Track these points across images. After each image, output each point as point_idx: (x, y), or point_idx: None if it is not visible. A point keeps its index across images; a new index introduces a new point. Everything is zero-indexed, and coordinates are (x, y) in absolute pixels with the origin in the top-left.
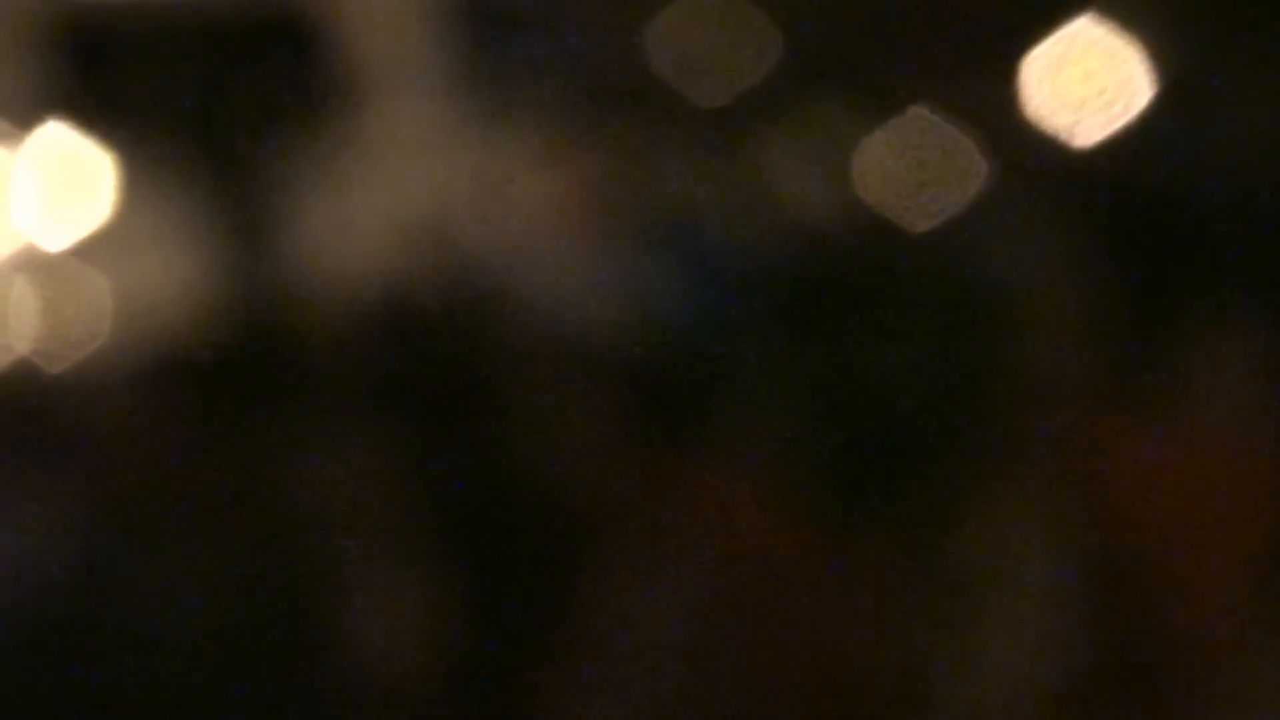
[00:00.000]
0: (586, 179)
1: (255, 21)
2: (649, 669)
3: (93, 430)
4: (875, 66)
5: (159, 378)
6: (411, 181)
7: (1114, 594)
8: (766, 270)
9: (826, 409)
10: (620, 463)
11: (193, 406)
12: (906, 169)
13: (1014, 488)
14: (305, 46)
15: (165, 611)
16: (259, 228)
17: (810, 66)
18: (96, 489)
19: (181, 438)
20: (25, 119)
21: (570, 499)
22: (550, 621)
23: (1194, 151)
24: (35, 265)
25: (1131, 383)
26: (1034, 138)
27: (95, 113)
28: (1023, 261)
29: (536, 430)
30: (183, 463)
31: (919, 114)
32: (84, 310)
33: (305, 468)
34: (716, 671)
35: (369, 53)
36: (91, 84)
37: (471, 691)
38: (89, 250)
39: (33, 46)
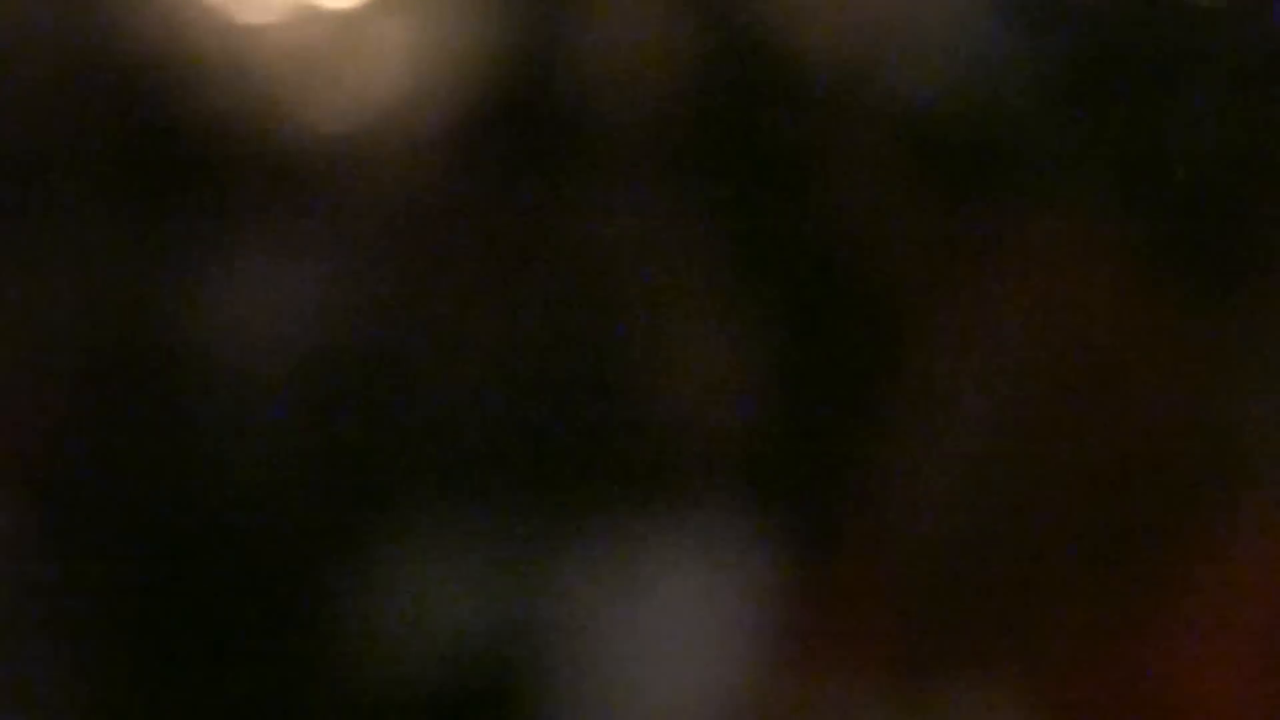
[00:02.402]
0: None
1: None
2: (972, 440)
3: (384, 191)
4: None
5: (456, 135)
6: None
7: None
8: (1070, 35)
9: (1139, 167)
10: (934, 223)
11: (492, 164)
12: None
13: None
14: None
15: (460, 379)
16: None
17: None
18: (389, 250)
19: (481, 195)
20: None
21: (883, 266)
22: (870, 391)
23: None
24: (326, 20)
25: None
26: None
27: None
28: None
29: (846, 194)
30: (482, 222)
31: None
32: (375, 67)
33: (606, 228)
34: (1043, 447)
35: None
36: None
37: (785, 460)
38: (380, 6)
39: None
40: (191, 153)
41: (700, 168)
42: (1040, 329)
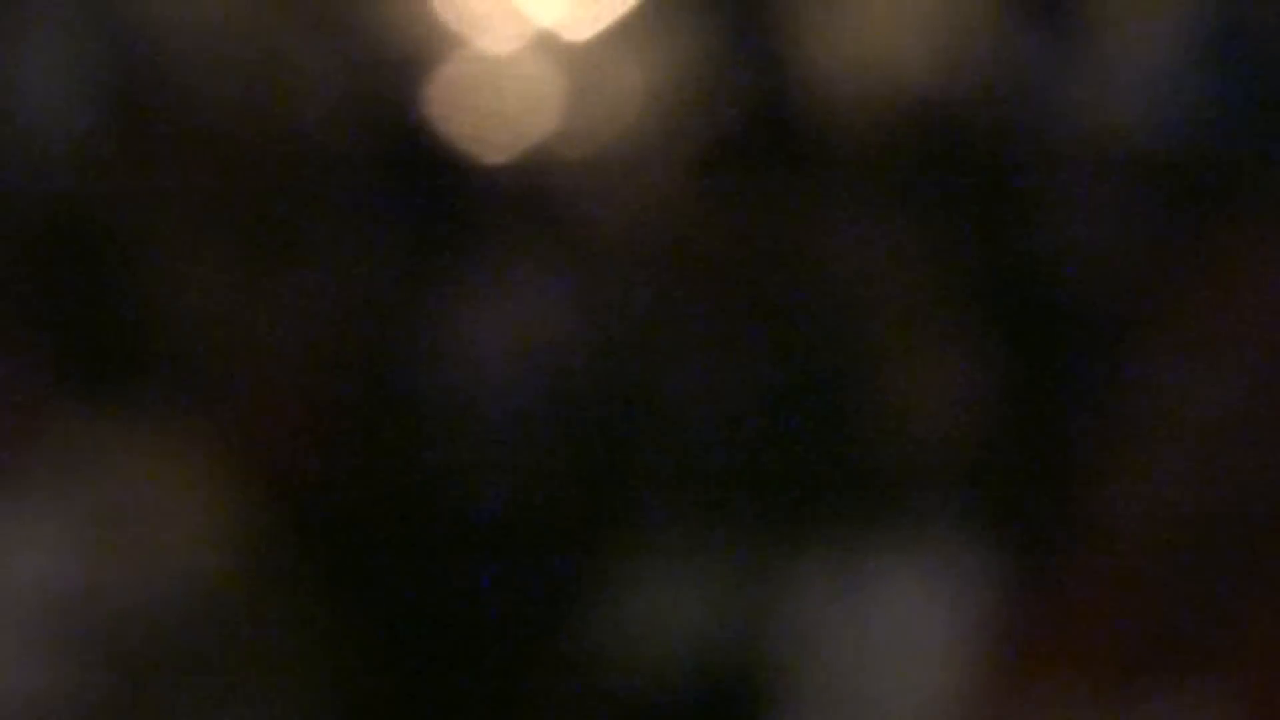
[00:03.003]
0: None
1: None
2: (1200, 454)
3: (615, 212)
4: None
5: (687, 159)
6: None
7: None
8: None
9: None
10: (1156, 251)
11: (721, 187)
12: None
13: None
14: None
15: (703, 400)
16: (778, 21)
17: None
18: (617, 268)
19: (711, 218)
20: None
21: (1103, 289)
22: (1092, 408)
23: None
24: (559, 52)
25: None
26: None
27: None
28: None
29: (1066, 223)
30: (712, 243)
31: None
32: (606, 95)
33: (832, 250)
34: (1264, 455)
35: None
36: None
37: (1011, 472)
38: (611, 38)
39: None
40: (446, 180)
41: (931, 195)
42: (1255, 340)
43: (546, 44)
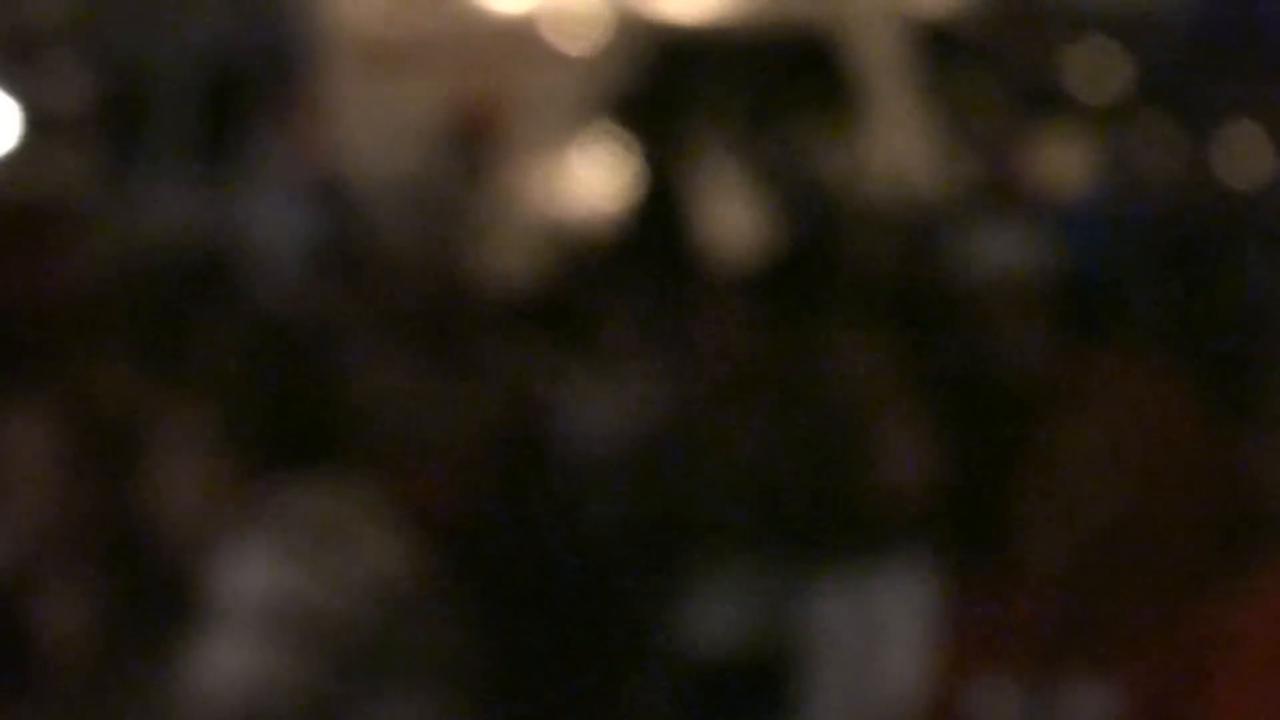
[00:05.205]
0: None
1: (779, 41)
2: (1086, 495)
3: (688, 327)
4: None
5: (733, 288)
6: (899, 165)
7: None
8: None
9: None
10: (1057, 361)
11: (762, 313)
12: None
13: None
14: (816, 62)
15: (743, 464)
16: (798, 184)
17: None
18: (692, 372)
19: (748, 330)
20: (630, 124)
21: (1021, 387)
22: (1014, 469)
23: None
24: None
25: None
26: None
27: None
28: None
29: (999, 336)
30: (753, 348)
31: None
32: (667, 245)
33: (844, 364)
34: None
35: (861, 70)
36: (675, 94)
37: (959, 514)
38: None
39: (637, 69)
40: (566, 305)
41: (899, 316)
42: (1124, 434)
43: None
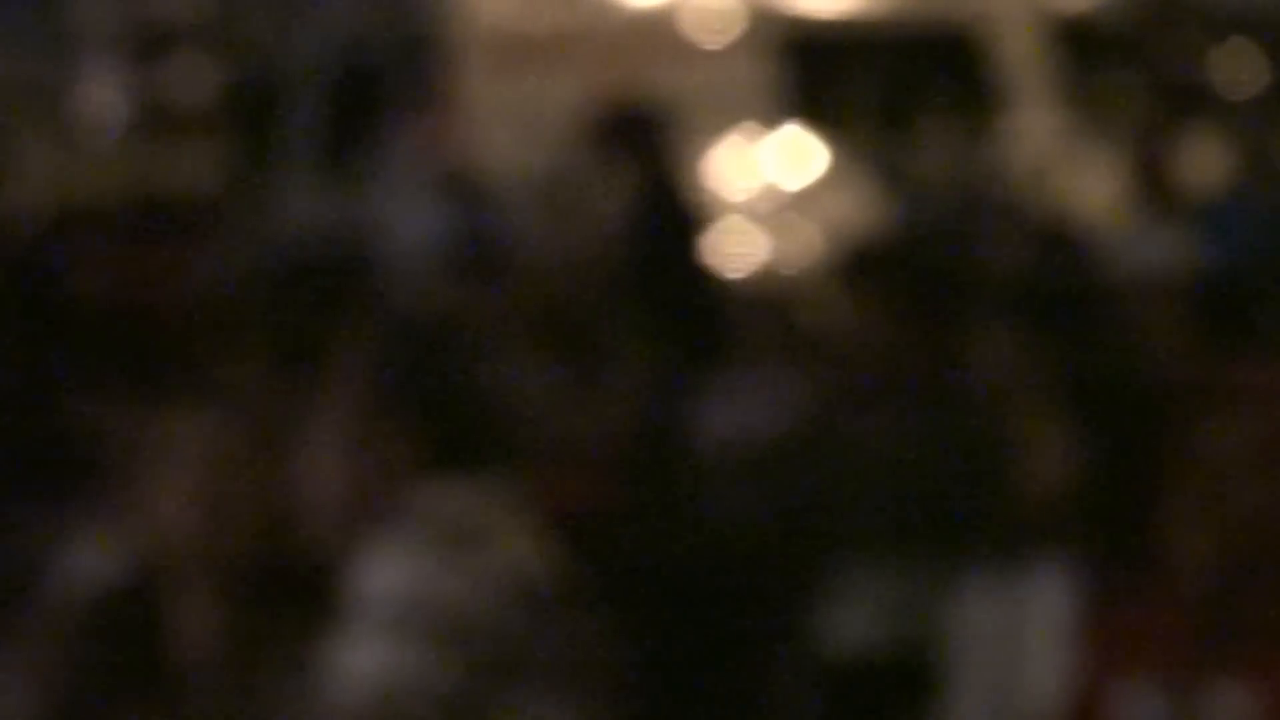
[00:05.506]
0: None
1: (918, 37)
2: (1235, 507)
3: (819, 326)
4: None
5: (872, 288)
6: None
7: None
8: None
9: None
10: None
11: (904, 312)
12: None
13: None
14: (960, 59)
15: (881, 463)
16: (939, 182)
17: None
18: (832, 371)
19: (885, 334)
20: (770, 120)
21: (1162, 384)
22: (1156, 470)
23: None
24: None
25: None
26: None
27: (816, 112)
28: None
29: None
30: (887, 353)
31: None
32: (801, 244)
33: (987, 366)
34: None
35: (1004, 66)
36: (812, 89)
37: (1104, 513)
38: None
39: (774, 64)
40: (699, 304)
41: (1039, 312)
42: (1270, 435)
43: (772, 198)
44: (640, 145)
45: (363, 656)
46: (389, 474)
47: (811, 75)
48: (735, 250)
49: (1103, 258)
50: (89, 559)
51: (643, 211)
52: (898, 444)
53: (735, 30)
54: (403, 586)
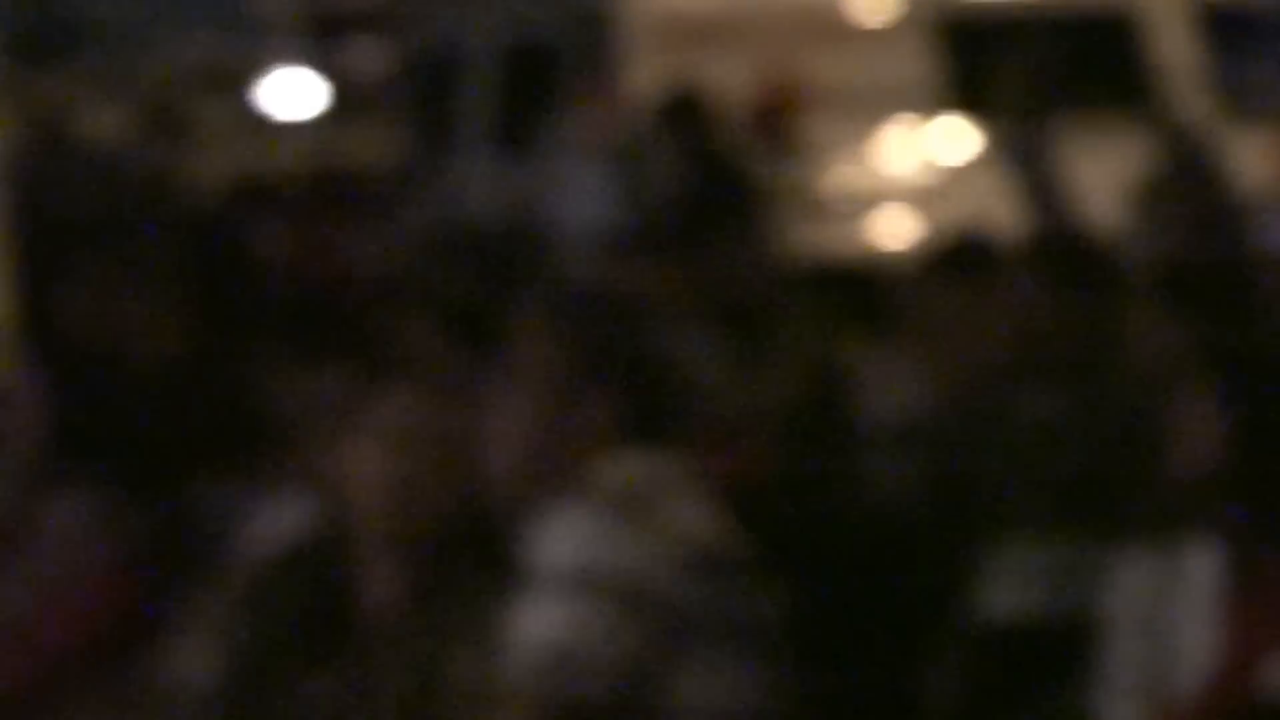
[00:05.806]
0: None
1: (1072, 21)
2: None
3: (936, 314)
4: None
5: (1028, 264)
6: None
7: None
8: None
9: None
10: None
11: (1058, 289)
12: None
13: None
14: (1114, 44)
15: (1032, 435)
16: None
17: None
18: (989, 345)
19: (1051, 315)
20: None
21: None
22: None
23: None
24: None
25: None
26: None
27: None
28: None
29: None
30: (1055, 334)
31: None
32: (958, 225)
33: (1140, 343)
34: None
35: (1158, 53)
36: (969, 74)
37: (1256, 487)
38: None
39: (932, 48)
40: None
41: (1192, 296)
42: None
43: (930, 179)
44: (689, 125)
45: (542, 619)
46: (573, 443)
47: (969, 60)
48: (895, 229)
49: (1255, 237)
50: (277, 522)
51: (696, 187)
52: (1053, 419)
53: (896, 14)
54: (582, 552)
